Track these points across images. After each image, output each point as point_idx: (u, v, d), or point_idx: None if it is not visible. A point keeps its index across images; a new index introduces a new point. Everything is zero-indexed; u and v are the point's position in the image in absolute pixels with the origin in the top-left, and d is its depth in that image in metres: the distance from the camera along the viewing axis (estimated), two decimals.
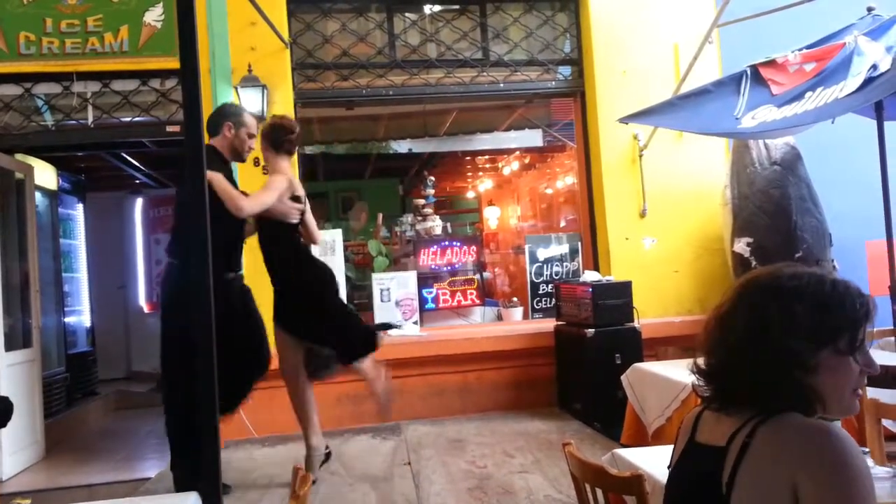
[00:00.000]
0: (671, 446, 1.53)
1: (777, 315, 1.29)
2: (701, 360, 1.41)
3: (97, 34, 5.26)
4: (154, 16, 5.31)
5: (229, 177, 3.90)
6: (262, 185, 3.91)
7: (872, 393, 2.69)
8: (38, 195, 6.38)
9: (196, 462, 2.22)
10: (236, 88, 5.31)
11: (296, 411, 4.01)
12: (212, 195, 3.28)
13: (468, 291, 6.43)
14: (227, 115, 4.01)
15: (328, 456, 4.09)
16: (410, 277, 6.05)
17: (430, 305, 6.29)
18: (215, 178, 3.54)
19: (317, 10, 5.77)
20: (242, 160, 4.13)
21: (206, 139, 3.32)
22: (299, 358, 3.97)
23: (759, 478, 1.23)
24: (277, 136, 3.97)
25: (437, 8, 6.02)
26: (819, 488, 1.17)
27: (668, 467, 1.50)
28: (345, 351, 3.98)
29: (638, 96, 5.43)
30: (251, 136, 4.01)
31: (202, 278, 2.17)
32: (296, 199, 3.91)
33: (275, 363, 4.05)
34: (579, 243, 6.20)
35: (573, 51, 6.09)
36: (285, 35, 5.46)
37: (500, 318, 6.52)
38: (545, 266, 6.18)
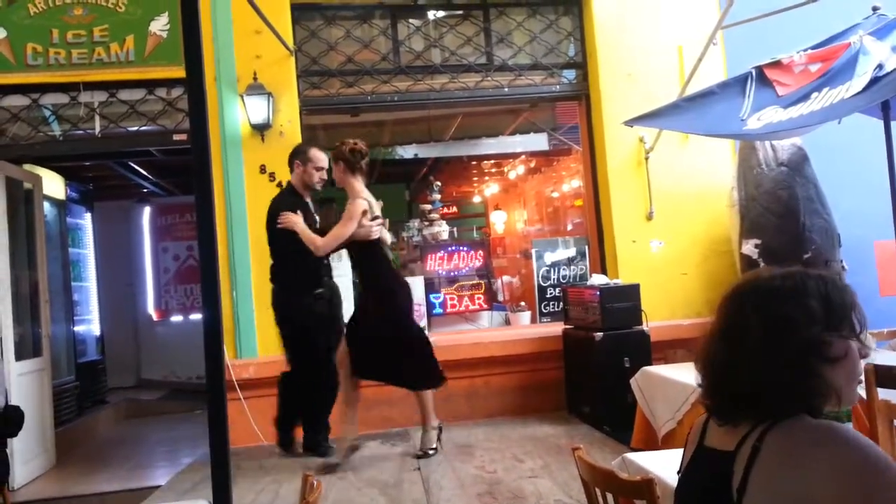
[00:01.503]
0: (682, 450, 1.52)
1: (793, 313, 1.29)
2: (702, 377, 1.40)
3: (103, 44, 5.30)
4: (159, 25, 5.35)
5: (305, 209, 4.58)
6: (342, 217, 4.38)
7: (884, 394, 2.67)
8: (46, 205, 6.43)
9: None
10: (242, 96, 5.33)
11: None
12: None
13: (476, 296, 6.43)
14: (296, 152, 4.66)
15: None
16: (417, 282, 6.05)
17: (438, 311, 6.29)
18: (298, 225, 4.35)
19: (321, 17, 5.80)
20: (316, 190, 4.75)
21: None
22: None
23: (773, 482, 1.22)
24: (355, 160, 4.40)
25: (440, 14, 6.03)
26: (843, 488, 1.15)
27: (678, 472, 1.49)
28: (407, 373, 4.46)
29: (643, 99, 5.42)
30: (318, 168, 4.59)
31: (210, 282, 2.17)
32: (374, 218, 4.37)
33: None
34: (586, 247, 6.19)
35: (577, 54, 6.09)
36: (290, 43, 5.49)
37: (507, 322, 6.51)
38: (552, 270, 6.17)
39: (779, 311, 1.30)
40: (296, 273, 4.52)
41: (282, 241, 4.45)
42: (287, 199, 4.61)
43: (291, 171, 4.68)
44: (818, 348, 1.27)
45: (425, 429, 4.51)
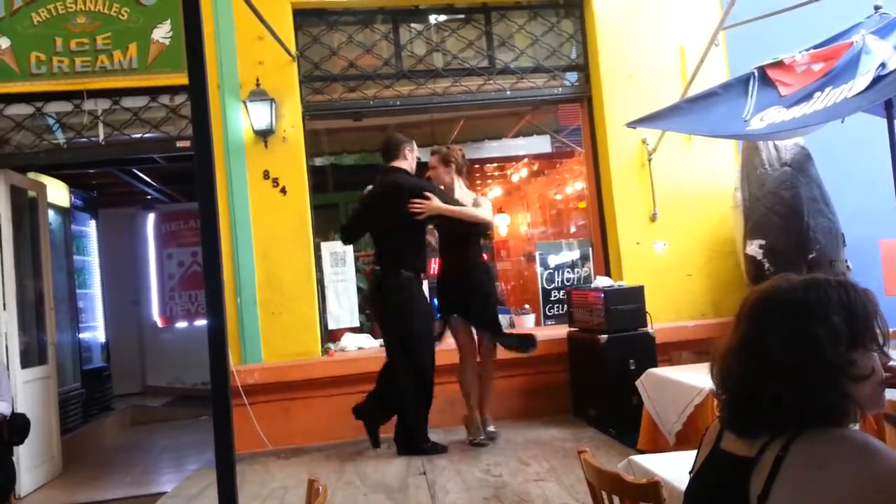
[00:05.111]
0: (688, 452, 1.51)
1: (818, 332, 1.25)
2: (720, 389, 1.37)
3: (106, 52, 5.32)
4: (162, 33, 5.37)
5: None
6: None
7: (890, 394, 2.65)
8: (51, 213, 6.45)
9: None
10: (245, 102, 5.35)
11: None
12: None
13: None
14: (402, 140, 4.86)
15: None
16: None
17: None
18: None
19: (323, 22, 5.81)
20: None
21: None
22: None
23: (797, 494, 1.19)
24: (462, 163, 5.18)
25: (442, 17, 6.04)
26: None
27: (690, 472, 1.48)
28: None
29: (645, 100, 5.41)
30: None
31: (215, 287, 2.18)
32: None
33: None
34: (590, 249, 6.18)
35: (579, 56, 6.09)
36: (292, 48, 5.50)
37: (512, 325, 6.49)
38: (556, 272, 6.16)
39: (803, 330, 1.26)
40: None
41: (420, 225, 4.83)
42: (407, 176, 4.82)
43: (398, 157, 4.81)
44: (844, 369, 1.24)
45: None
